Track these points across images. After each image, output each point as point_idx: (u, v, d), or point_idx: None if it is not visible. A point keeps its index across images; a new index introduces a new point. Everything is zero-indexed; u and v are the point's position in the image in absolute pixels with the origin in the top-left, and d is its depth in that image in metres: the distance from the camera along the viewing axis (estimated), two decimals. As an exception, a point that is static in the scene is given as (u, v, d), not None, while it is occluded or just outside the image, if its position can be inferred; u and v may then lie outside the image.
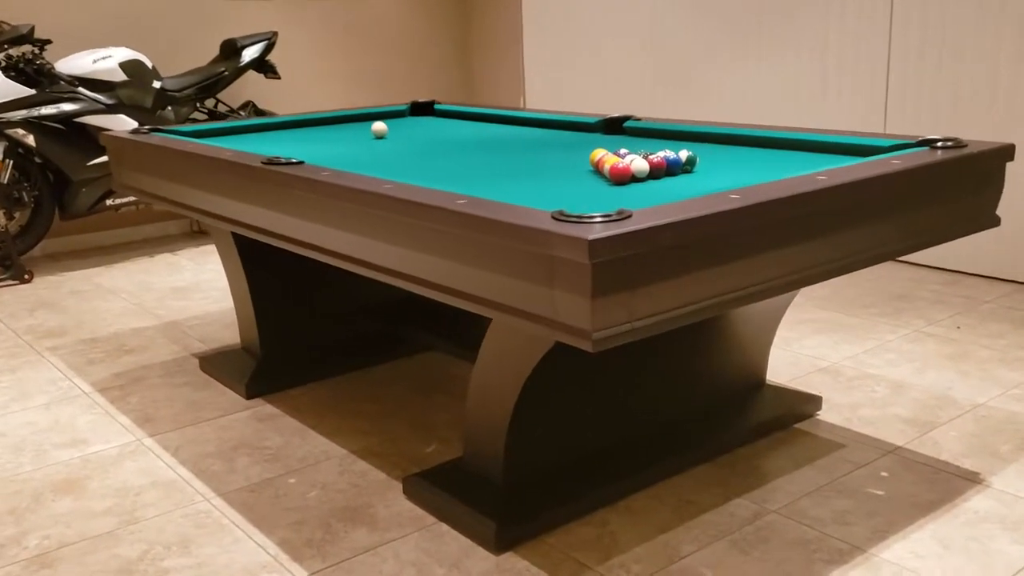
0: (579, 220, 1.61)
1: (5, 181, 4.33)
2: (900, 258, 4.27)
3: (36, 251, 4.92)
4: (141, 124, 4.65)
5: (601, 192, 2.06)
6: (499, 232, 1.67)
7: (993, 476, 2.32)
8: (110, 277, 4.49)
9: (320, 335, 3.14)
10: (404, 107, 3.70)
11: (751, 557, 2.01)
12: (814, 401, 2.69)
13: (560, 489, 2.20)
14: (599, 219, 1.62)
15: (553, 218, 1.64)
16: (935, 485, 2.28)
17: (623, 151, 2.33)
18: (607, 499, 2.24)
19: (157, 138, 2.97)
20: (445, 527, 2.17)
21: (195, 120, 5.05)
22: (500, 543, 2.06)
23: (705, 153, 2.52)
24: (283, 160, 2.37)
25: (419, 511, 2.25)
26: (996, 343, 3.22)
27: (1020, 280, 3.89)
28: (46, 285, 4.37)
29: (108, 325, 3.74)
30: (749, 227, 1.75)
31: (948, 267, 4.12)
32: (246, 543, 2.14)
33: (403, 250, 1.95)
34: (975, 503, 2.20)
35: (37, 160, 4.46)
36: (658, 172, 2.21)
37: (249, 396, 2.95)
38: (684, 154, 2.27)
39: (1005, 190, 3.85)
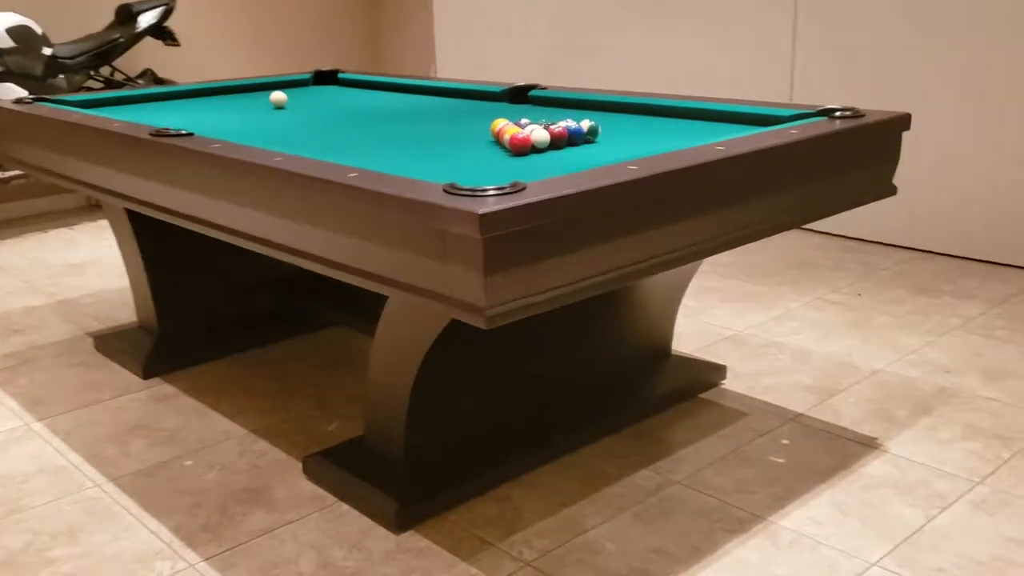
0: (471, 193, 1.57)
1: None
2: (802, 227, 4.34)
3: (-79, 227, 4.68)
4: (30, 93, 4.44)
5: (501, 163, 2.02)
6: (390, 206, 1.62)
7: (889, 441, 2.37)
8: (1, 253, 4.28)
9: (220, 311, 3.04)
10: (307, 76, 3.59)
11: (653, 528, 2.02)
12: (719, 370, 2.72)
13: (463, 466, 2.17)
14: (492, 192, 1.57)
15: (445, 191, 1.59)
16: (833, 452, 2.32)
17: (524, 121, 2.29)
18: (511, 474, 2.22)
19: (43, 108, 2.83)
20: (346, 507, 2.13)
21: (90, 89, 4.83)
22: (400, 522, 2.02)
23: (608, 122, 2.49)
24: (172, 132, 2.26)
25: (320, 491, 2.19)
26: (894, 309, 3.29)
27: (916, 247, 3.99)
28: (-69, 263, 4.15)
29: (1, 303, 3.58)
30: (648, 198, 1.73)
31: (848, 234, 4.20)
32: (138, 530, 2.07)
33: (295, 225, 1.88)
34: (871, 468, 2.24)
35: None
36: (559, 142, 2.18)
37: (146, 376, 2.84)
38: (586, 124, 2.24)
39: (903, 159, 3.93)
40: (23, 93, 4.38)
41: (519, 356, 2.30)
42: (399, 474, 2.12)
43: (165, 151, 2.18)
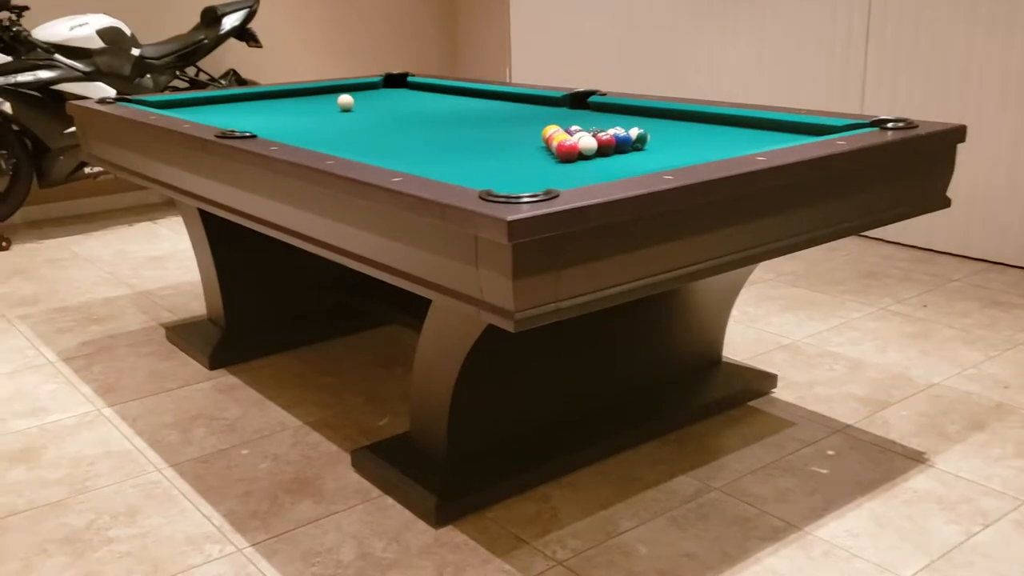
0: (505, 200, 1.61)
1: (-18, 149, 4.33)
2: (872, 235, 4.27)
3: (16, 218, 4.93)
4: (119, 92, 4.64)
5: (546, 170, 2.06)
6: (427, 211, 1.68)
7: (937, 456, 2.34)
8: (88, 246, 4.50)
9: (284, 307, 3.16)
10: (377, 79, 3.68)
11: (688, 534, 2.03)
12: (769, 379, 2.71)
13: (503, 464, 2.22)
14: (526, 199, 1.62)
15: (480, 198, 1.64)
16: (879, 464, 2.30)
17: (574, 128, 2.33)
18: (551, 474, 2.26)
19: (121, 108, 2.97)
20: (390, 500, 2.20)
21: (175, 89, 5.03)
22: (440, 517, 2.08)
23: (662, 130, 2.51)
24: (236, 133, 2.37)
25: (366, 484, 2.27)
26: (960, 322, 3.22)
27: (989, 259, 3.89)
28: (23, 253, 4.38)
29: (80, 294, 3.76)
30: (680, 208, 1.75)
31: (919, 244, 4.12)
32: (192, 514, 2.17)
33: (343, 226, 1.96)
34: (916, 482, 2.22)
35: (15, 128, 4.46)
36: (607, 150, 2.21)
37: (212, 367, 2.97)
38: (635, 132, 2.26)
39: (975, 169, 3.83)
40: (111, 92, 4.59)
41: (563, 357, 2.34)
42: (440, 471, 2.18)
43: (228, 152, 2.28)
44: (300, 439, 2.50)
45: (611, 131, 2.25)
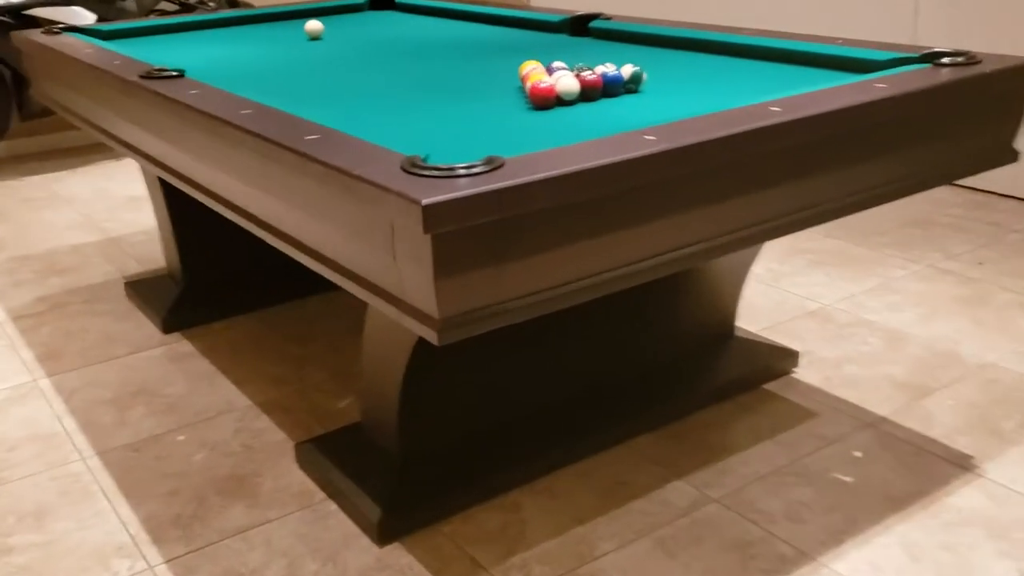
0: (430, 173, 1.25)
1: (-48, 78, 4.02)
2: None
3: (1, 151, 4.64)
4: (100, 17, 4.29)
5: (514, 120, 1.69)
6: (335, 183, 1.32)
7: (988, 462, 1.96)
8: (68, 183, 4.20)
9: (250, 261, 2.83)
10: (362, 0, 3.28)
11: (676, 562, 1.70)
12: (790, 356, 2.33)
13: (467, 465, 1.90)
14: (461, 171, 1.25)
15: (402, 169, 1.28)
16: (915, 471, 1.94)
17: (556, 65, 1.93)
18: (524, 478, 1.93)
19: (62, 39, 2.62)
20: (333, 506, 1.89)
21: (163, 12, 4.66)
22: (384, 533, 1.77)
23: (668, 65, 2.11)
24: (163, 72, 2.01)
25: (309, 485, 1.96)
26: (1021, 284, 2.80)
27: (1060, 206, 3.43)
28: (1, 191, 4.10)
29: (48, 240, 3.47)
30: (665, 179, 1.37)
31: (978, 186, 3.65)
32: (108, 517, 1.88)
33: (254, 191, 1.61)
34: (960, 498, 1.85)
35: (-13, 56, 4.14)
36: (591, 93, 1.82)
37: (166, 330, 2.67)
38: (627, 70, 1.87)
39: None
40: (90, 18, 4.23)
41: (540, 337, 1.99)
42: (389, 474, 1.86)
43: (146, 95, 1.93)
44: (246, 424, 2.20)
45: (599, 69, 1.85)
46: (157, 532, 1.83)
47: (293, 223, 1.52)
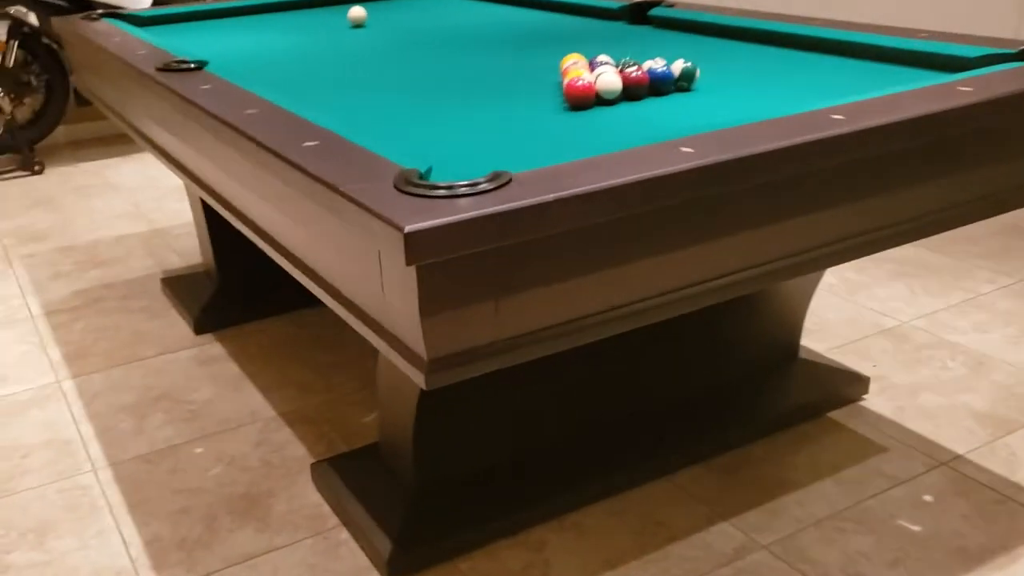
0: (425, 192, 1.09)
1: (10, 64, 4.00)
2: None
3: (60, 137, 4.63)
4: (156, 0, 4.22)
5: (547, 121, 1.51)
6: (325, 199, 1.17)
7: (1079, 514, 1.73)
8: (121, 171, 4.15)
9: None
10: (418, -15, 3.13)
11: (714, 620, 1.52)
12: (860, 382, 2.12)
13: (489, 497, 1.74)
14: (463, 190, 1.09)
15: (395, 186, 1.12)
16: (994, 521, 1.71)
17: (601, 59, 1.75)
18: (551, 512, 1.77)
19: (100, 26, 2.53)
20: (345, 534, 1.76)
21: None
22: (394, 569, 1.62)
23: (728, 58, 1.90)
24: (180, 64, 1.89)
25: (323, 508, 1.83)
26: (1125, 304, 2.52)
27: None
28: (55, 178, 4.08)
29: (94, 230, 3.42)
30: (701, 197, 1.19)
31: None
32: (111, 537, 1.78)
33: (254, 198, 1.47)
34: (1045, 557, 1.63)
35: (44, 41, 4.11)
36: (637, 91, 1.63)
37: (198, 331, 2.57)
38: (678, 66, 1.68)
39: None
40: (147, 1, 4.17)
41: (568, 360, 1.82)
42: (403, 507, 1.71)
43: (159, 89, 1.81)
44: (267, 436, 2.08)
45: (647, 64, 1.67)
46: (159, 556, 1.73)
47: (288, 236, 1.38)
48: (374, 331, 1.17)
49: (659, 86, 1.66)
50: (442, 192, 1.08)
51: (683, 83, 1.68)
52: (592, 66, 1.74)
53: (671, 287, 1.20)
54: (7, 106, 4.02)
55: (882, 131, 1.28)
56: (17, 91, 4.06)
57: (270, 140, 1.34)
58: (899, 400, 2.12)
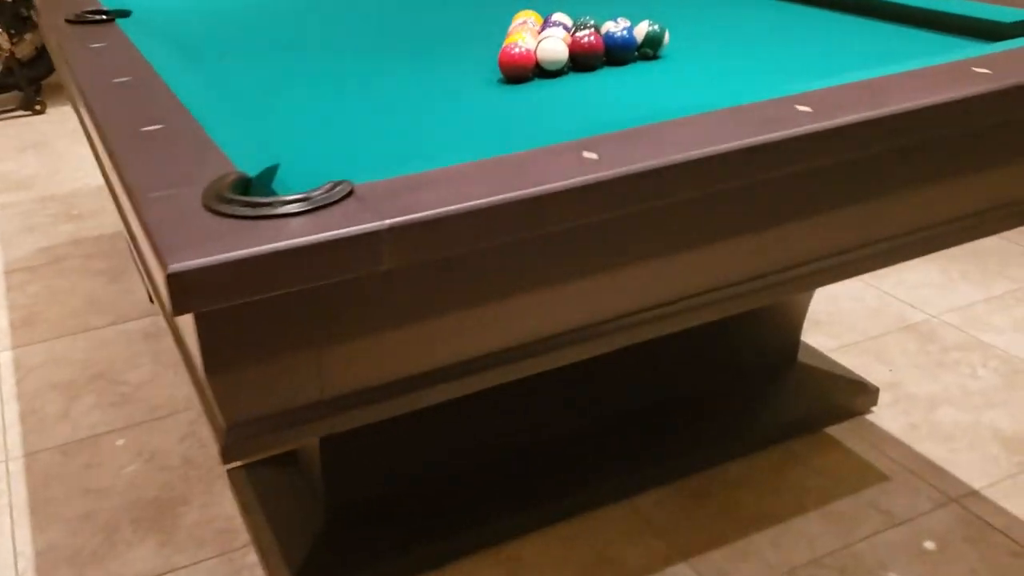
0: (234, 211, 0.84)
1: (8, -3, 3.82)
2: None
3: (71, 73, 4.46)
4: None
5: (468, 98, 1.25)
6: (132, 206, 0.94)
7: (1109, 577, 1.45)
8: (126, 111, 3.97)
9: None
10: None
11: None
12: (867, 393, 1.84)
13: (412, 524, 1.53)
14: (286, 208, 0.84)
15: (204, 206, 0.87)
16: (1004, 583, 1.45)
17: (555, 18, 1.47)
18: (488, 539, 1.55)
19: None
20: (253, 557, 1.56)
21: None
22: (291, 611, 1.43)
23: (717, 15, 1.60)
24: (92, 15, 1.66)
25: (236, 520, 1.64)
26: None
27: None
28: (55, 118, 3.91)
29: (78, 179, 3.24)
30: (604, 221, 0.93)
31: None
32: (2, 544, 1.62)
33: (115, 179, 1.25)
34: (1059, 634, 1.36)
35: (43, -28, 3.91)
36: (590, 60, 1.36)
37: (152, 299, 2.39)
38: (642, 29, 1.39)
39: None
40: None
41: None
42: (312, 533, 1.51)
43: (57, 43, 1.59)
44: (195, 429, 1.89)
45: (606, 27, 1.39)
46: (47, 570, 1.55)
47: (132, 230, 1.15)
48: (188, 369, 0.94)
49: (618, 53, 1.38)
50: (260, 210, 0.84)
51: (647, 50, 1.40)
52: (547, 26, 1.46)
53: (561, 328, 0.95)
54: (6, 43, 3.85)
55: (857, 129, 1.00)
56: (17, 27, 3.88)
57: (107, 118, 1.11)
58: (912, 415, 1.83)
